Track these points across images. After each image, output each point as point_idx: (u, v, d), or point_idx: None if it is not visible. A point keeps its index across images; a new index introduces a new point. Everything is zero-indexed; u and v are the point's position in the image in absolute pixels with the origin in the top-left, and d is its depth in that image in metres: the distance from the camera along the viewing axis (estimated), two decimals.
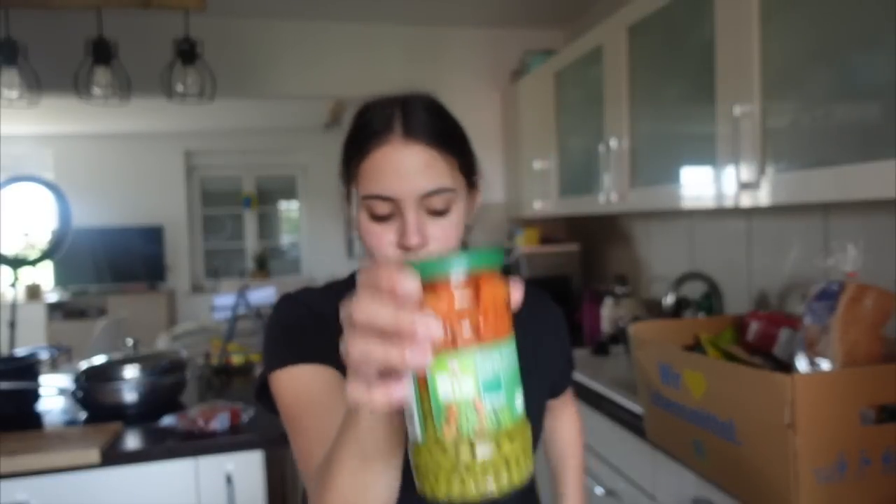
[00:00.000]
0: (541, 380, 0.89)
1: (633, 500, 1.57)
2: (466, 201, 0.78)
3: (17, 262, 3.27)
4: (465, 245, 0.89)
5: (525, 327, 0.86)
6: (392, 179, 0.70)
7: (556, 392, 1.00)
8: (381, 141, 0.71)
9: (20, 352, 1.95)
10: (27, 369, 1.72)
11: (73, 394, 1.64)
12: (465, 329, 0.40)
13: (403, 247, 0.72)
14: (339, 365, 0.73)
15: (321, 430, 0.65)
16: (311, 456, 0.65)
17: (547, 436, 1.06)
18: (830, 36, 1.25)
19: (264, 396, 0.78)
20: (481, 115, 3.03)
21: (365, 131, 0.73)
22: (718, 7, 1.47)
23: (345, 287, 0.85)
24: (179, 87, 2.34)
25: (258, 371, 2.02)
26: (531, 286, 0.95)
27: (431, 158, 0.71)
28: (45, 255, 3.33)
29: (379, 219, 0.72)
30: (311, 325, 0.77)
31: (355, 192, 0.75)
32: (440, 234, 0.73)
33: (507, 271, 2.72)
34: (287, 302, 0.82)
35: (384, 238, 0.73)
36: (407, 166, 0.70)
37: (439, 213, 0.73)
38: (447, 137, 0.74)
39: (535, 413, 0.87)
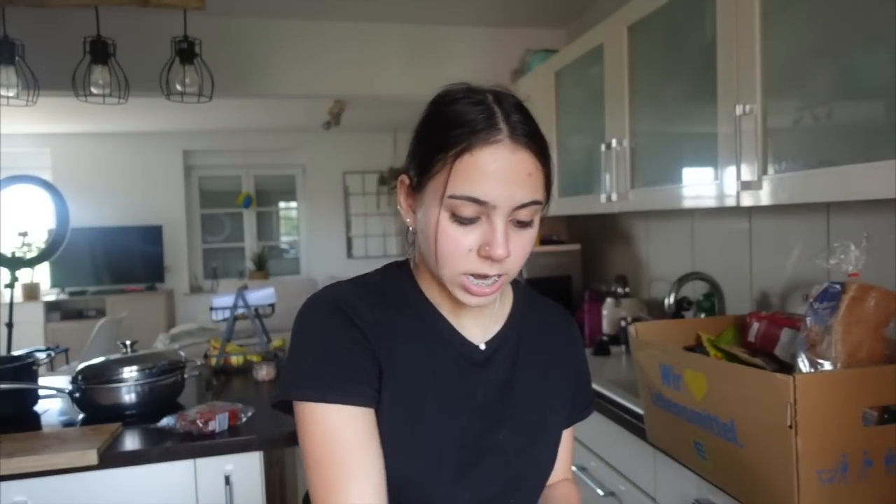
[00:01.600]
0: (543, 413, 0.83)
1: (633, 501, 1.57)
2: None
3: (14, 263, 3.27)
4: None
5: (527, 347, 0.84)
6: (494, 183, 0.65)
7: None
8: (488, 139, 0.66)
9: (18, 352, 1.94)
10: (25, 370, 1.71)
11: (71, 394, 1.63)
12: None
13: (487, 256, 0.68)
14: (374, 383, 0.71)
15: (345, 481, 0.66)
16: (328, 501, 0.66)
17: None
18: (832, 35, 1.25)
19: (284, 406, 0.74)
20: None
21: (462, 124, 0.67)
22: (719, 6, 1.46)
23: (375, 283, 0.79)
24: (178, 87, 2.33)
25: (258, 372, 2.01)
26: (541, 297, 0.92)
27: (534, 168, 0.68)
28: (43, 255, 3.32)
29: (461, 221, 0.67)
30: (351, 344, 0.71)
31: (433, 188, 0.69)
32: (520, 248, 0.70)
33: None
34: (324, 307, 0.73)
35: (463, 242, 0.68)
36: (513, 173, 0.66)
37: (523, 224, 0.70)
38: (542, 144, 0.70)
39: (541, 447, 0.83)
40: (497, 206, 0.66)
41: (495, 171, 0.65)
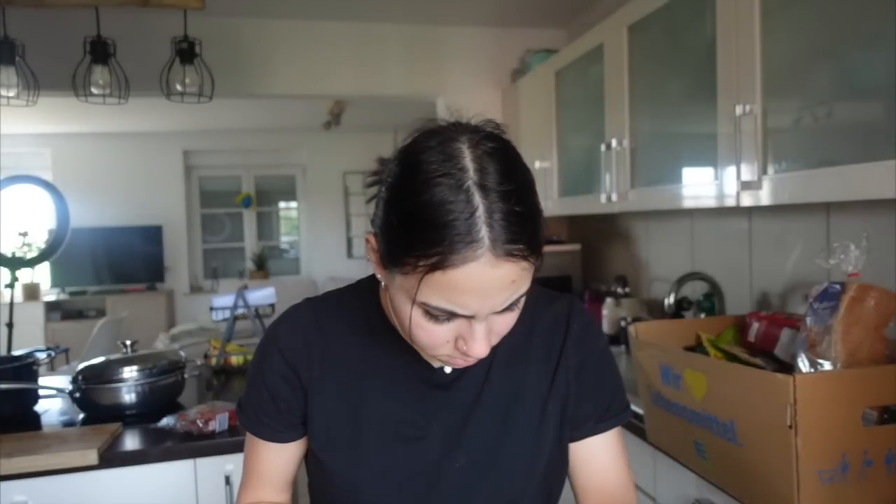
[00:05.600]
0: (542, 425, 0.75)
1: None
2: None
3: (15, 263, 3.26)
4: None
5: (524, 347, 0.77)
6: (471, 300, 0.59)
7: (576, 436, 0.79)
8: (467, 256, 0.56)
9: (18, 352, 1.94)
10: (25, 370, 1.71)
11: (71, 394, 1.63)
12: None
13: (465, 353, 0.64)
14: (294, 419, 0.77)
15: (262, 484, 0.80)
16: (250, 490, 0.80)
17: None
18: (832, 35, 1.25)
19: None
20: (482, 114, 3.02)
21: (436, 229, 0.56)
22: (719, 6, 1.46)
23: (340, 302, 0.79)
24: (178, 87, 2.33)
25: None
26: (535, 292, 0.79)
27: (520, 271, 0.59)
28: (43, 255, 3.32)
29: (438, 320, 0.62)
30: (280, 379, 0.75)
31: (402, 282, 0.61)
32: (503, 328, 0.65)
33: None
34: (268, 339, 0.77)
35: (440, 337, 0.63)
36: (494, 287, 0.59)
37: (509, 308, 0.63)
38: (533, 233, 0.59)
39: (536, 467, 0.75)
40: (476, 315, 0.61)
41: (472, 290, 0.58)
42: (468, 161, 0.58)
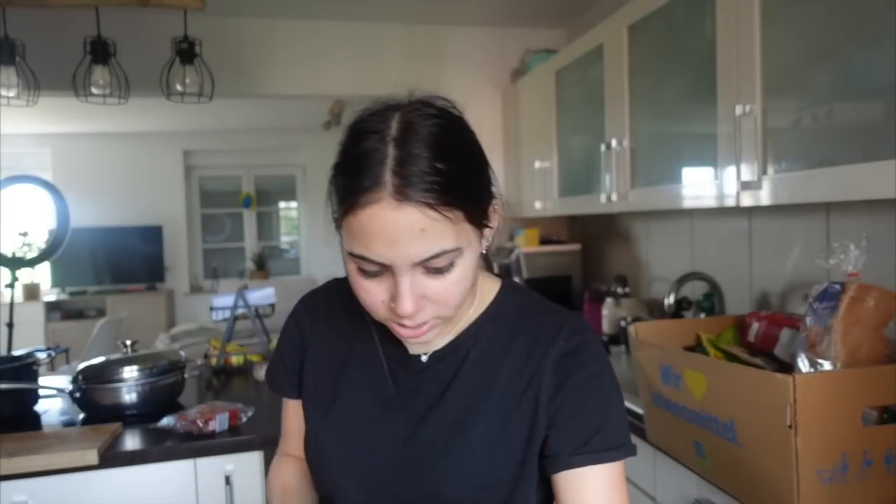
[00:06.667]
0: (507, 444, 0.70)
1: (633, 501, 1.56)
2: (478, 243, 0.67)
3: (15, 262, 3.26)
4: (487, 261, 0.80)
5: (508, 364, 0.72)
6: (380, 245, 0.60)
7: (551, 467, 0.70)
8: (369, 198, 0.59)
9: (18, 352, 1.94)
10: (25, 370, 1.71)
11: (72, 394, 1.64)
12: None
13: (396, 312, 0.64)
14: (297, 380, 0.84)
15: (290, 439, 0.87)
16: (282, 444, 0.89)
17: None
18: (832, 35, 1.25)
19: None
20: (482, 114, 3.03)
21: (349, 174, 0.61)
22: (719, 6, 1.47)
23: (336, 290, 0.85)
24: (178, 87, 2.33)
25: (257, 372, 2.03)
26: (535, 306, 0.77)
27: (429, 221, 0.59)
28: (44, 255, 3.32)
29: (368, 274, 0.64)
30: (289, 345, 0.85)
31: (341, 235, 0.65)
32: (440, 295, 0.64)
33: (508, 272, 2.71)
34: (289, 319, 0.87)
35: (376, 296, 0.65)
36: (399, 233, 0.59)
37: (440, 270, 0.63)
38: (450, 188, 0.60)
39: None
40: (392, 264, 0.61)
41: (378, 233, 0.59)
42: (395, 122, 0.62)
